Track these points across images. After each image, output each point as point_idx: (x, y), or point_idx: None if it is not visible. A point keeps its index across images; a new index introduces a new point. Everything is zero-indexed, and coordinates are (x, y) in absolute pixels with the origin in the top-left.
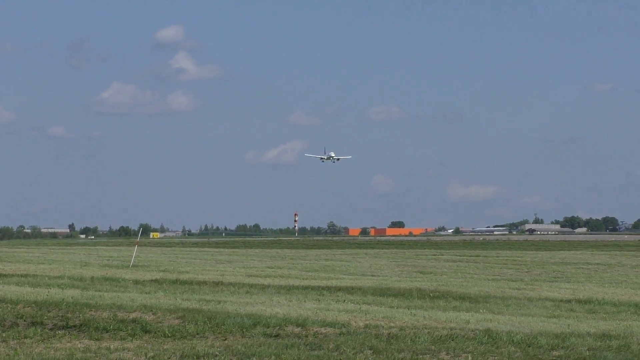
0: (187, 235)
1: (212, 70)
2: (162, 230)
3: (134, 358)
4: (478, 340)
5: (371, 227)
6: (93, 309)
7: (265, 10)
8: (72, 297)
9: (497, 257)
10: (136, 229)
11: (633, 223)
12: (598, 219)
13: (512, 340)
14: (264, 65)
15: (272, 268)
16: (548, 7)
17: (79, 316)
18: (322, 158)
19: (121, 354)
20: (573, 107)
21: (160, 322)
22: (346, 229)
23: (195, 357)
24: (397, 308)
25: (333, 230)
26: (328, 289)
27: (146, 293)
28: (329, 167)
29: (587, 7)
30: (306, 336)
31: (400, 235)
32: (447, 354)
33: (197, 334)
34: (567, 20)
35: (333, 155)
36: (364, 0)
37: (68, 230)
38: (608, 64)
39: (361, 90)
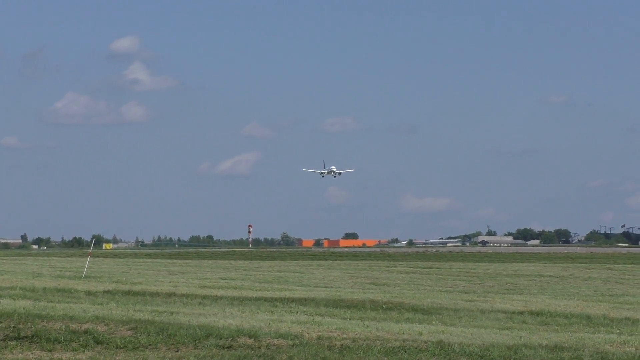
0: (140, 246)
1: (167, 81)
2: (115, 241)
3: None
4: (430, 352)
5: (325, 239)
6: (45, 320)
7: (221, 21)
8: (24, 308)
9: (450, 268)
10: (89, 240)
11: (586, 235)
12: (551, 231)
13: (465, 352)
14: (219, 77)
15: (225, 279)
16: (502, 20)
17: (31, 327)
18: (322, 173)
19: None
20: (527, 119)
21: (112, 334)
22: (300, 240)
23: None
24: (350, 319)
25: (286, 241)
26: (281, 300)
27: (99, 304)
28: (283, 179)
29: (541, 20)
30: (259, 347)
31: (353, 247)
32: None
33: (150, 345)
34: (521, 33)
35: (334, 169)
36: (318, 12)
37: (20, 241)
38: (562, 76)
39: (316, 101)
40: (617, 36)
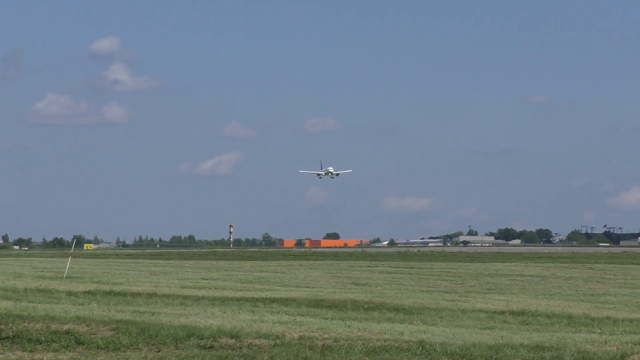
0: (121, 247)
1: (148, 81)
2: (96, 241)
3: None
4: (412, 351)
5: (306, 239)
6: (26, 321)
7: (202, 22)
8: (5, 309)
9: (432, 268)
10: (70, 240)
11: (567, 235)
12: (532, 231)
13: (446, 352)
14: (200, 77)
15: (206, 279)
16: (483, 21)
17: (12, 328)
18: (318, 174)
19: None
20: (508, 119)
21: (93, 334)
22: (281, 241)
23: None
24: (331, 319)
25: (268, 241)
26: (262, 300)
27: (80, 304)
28: (264, 179)
29: (521, 20)
30: (240, 348)
31: (335, 247)
32: None
33: (131, 345)
34: (502, 33)
35: (332, 170)
36: (298, 12)
37: (1, 241)
38: (543, 77)
39: (297, 102)
40: (598, 36)
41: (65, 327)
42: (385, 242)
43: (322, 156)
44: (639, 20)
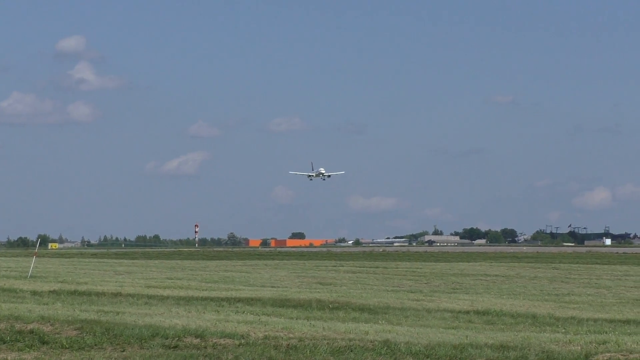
0: (86, 246)
1: (113, 80)
2: (60, 240)
3: None
4: (377, 351)
5: (271, 238)
6: None
7: (167, 20)
8: None
9: (397, 268)
10: (34, 240)
11: (532, 235)
12: (497, 231)
13: (411, 351)
14: (166, 76)
15: (171, 279)
16: (447, 20)
17: None
18: (309, 175)
19: None
20: (473, 119)
21: (58, 333)
22: (246, 240)
23: None
24: (296, 319)
25: (233, 241)
26: (227, 300)
27: (44, 304)
28: (229, 178)
29: (486, 20)
30: (205, 347)
31: (300, 247)
32: None
33: (95, 345)
34: (466, 33)
35: (323, 171)
36: (263, 11)
37: None
38: (507, 76)
39: (262, 101)
40: (562, 37)
41: (30, 326)
42: (351, 242)
43: (288, 155)
44: (603, 21)
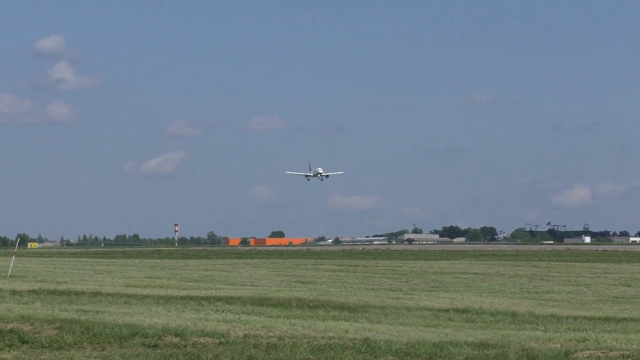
0: (65, 246)
1: (92, 80)
2: (40, 240)
3: None
4: (357, 349)
5: (251, 237)
6: None
7: (146, 21)
8: None
9: (377, 266)
10: (14, 239)
11: (511, 233)
12: (476, 229)
13: (391, 350)
14: (144, 76)
15: (151, 278)
16: (427, 18)
17: None
18: (307, 175)
19: None
20: (453, 117)
21: (37, 333)
22: (226, 239)
23: None
24: (276, 318)
25: (213, 240)
26: (207, 299)
27: (24, 303)
28: (209, 177)
29: (466, 18)
30: (185, 346)
31: (280, 245)
32: None
33: (75, 344)
34: (446, 31)
35: (321, 171)
36: (243, 10)
37: None
38: (487, 75)
39: (242, 100)
40: (542, 35)
41: (9, 326)
42: (330, 241)
43: (267, 154)
44: (583, 21)
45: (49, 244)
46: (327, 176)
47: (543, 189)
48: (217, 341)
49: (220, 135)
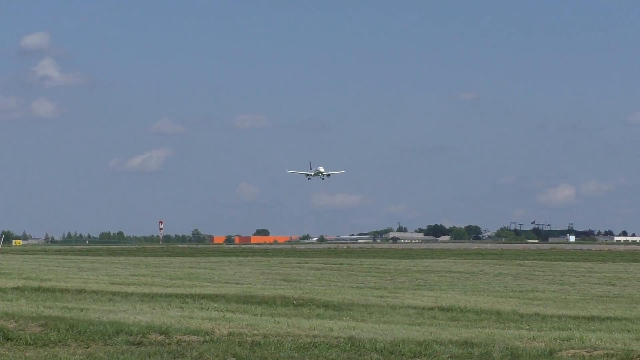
0: (50, 243)
1: (77, 77)
2: (24, 237)
3: None
4: (341, 347)
5: (236, 235)
6: None
7: (132, 18)
8: None
9: (361, 265)
10: None
11: (496, 232)
12: (461, 227)
13: (375, 348)
14: (130, 73)
15: (135, 276)
16: (412, 16)
17: None
18: (307, 175)
19: None
20: (438, 116)
21: (22, 330)
22: (211, 237)
23: None
24: (261, 316)
25: (198, 238)
26: (192, 296)
27: (8, 300)
28: (194, 175)
29: (450, 17)
30: (169, 344)
31: (265, 243)
32: None
33: (60, 342)
34: (431, 30)
35: (322, 170)
36: (227, 8)
37: None
38: (472, 73)
39: (227, 98)
40: (527, 34)
41: None
42: (315, 239)
43: (252, 152)
44: (567, 19)
45: (34, 241)
46: (329, 175)
47: (528, 188)
48: (201, 339)
49: (205, 133)
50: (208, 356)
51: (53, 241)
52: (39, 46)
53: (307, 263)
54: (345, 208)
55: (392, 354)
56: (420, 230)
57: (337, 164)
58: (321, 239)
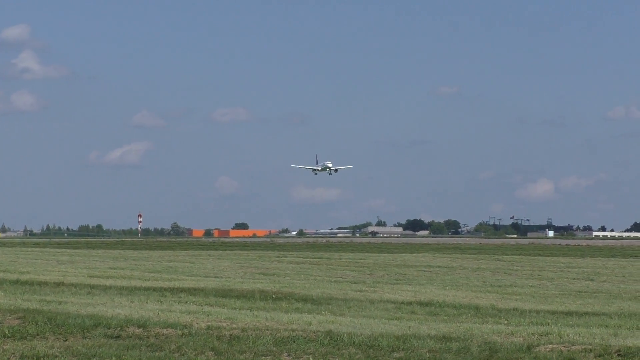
0: (28, 235)
1: (57, 69)
2: (3, 230)
3: None
4: (319, 341)
5: (215, 229)
6: None
7: (112, 10)
8: None
9: (340, 259)
10: None
11: (475, 226)
12: (440, 222)
13: (353, 342)
14: (110, 66)
15: (114, 269)
16: (392, 10)
17: None
18: (314, 170)
19: None
20: (417, 110)
21: (0, 323)
22: (190, 230)
23: (35, 357)
24: (239, 309)
25: (177, 231)
26: (170, 290)
27: None
28: (173, 168)
29: (431, 11)
30: (147, 337)
31: (244, 237)
32: (289, 355)
33: (38, 334)
34: (411, 24)
35: (330, 165)
36: (208, 2)
37: None
38: (452, 68)
39: (207, 91)
40: (507, 28)
41: None
42: (294, 233)
43: (232, 146)
44: (547, 15)
45: (12, 234)
46: (336, 170)
47: (507, 183)
48: (180, 332)
49: (184, 127)
50: (186, 350)
51: (32, 234)
52: (19, 38)
53: (286, 257)
54: (325, 202)
55: (370, 349)
56: (399, 225)
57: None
58: (300, 233)
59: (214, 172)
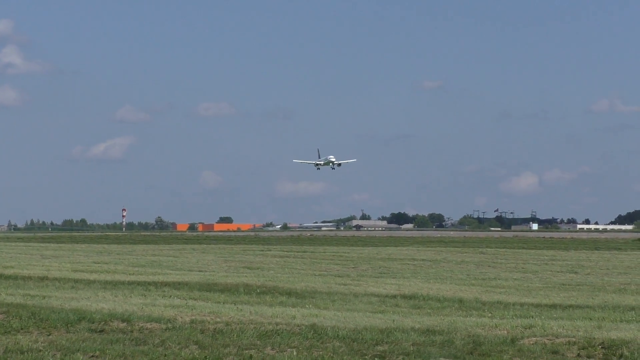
0: (12, 230)
1: (41, 65)
2: None
3: None
4: (303, 335)
5: (199, 223)
6: None
7: (96, 6)
8: None
9: (324, 252)
10: None
11: (459, 220)
12: (424, 216)
13: (337, 335)
14: (93, 60)
15: (98, 263)
16: (376, 4)
17: None
18: (317, 164)
19: None
20: (401, 104)
21: None
22: (174, 225)
23: (19, 352)
24: (223, 303)
25: (161, 225)
26: (154, 284)
27: None
28: (157, 163)
29: (415, 5)
30: (131, 331)
31: (228, 231)
32: (273, 348)
33: (22, 329)
34: (394, 18)
35: (333, 159)
36: None
37: None
38: (436, 62)
39: (190, 86)
40: (491, 23)
41: None
42: (279, 226)
43: (216, 140)
44: (531, 9)
45: None
46: (340, 165)
47: (491, 176)
48: (164, 326)
49: (168, 121)
50: (170, 344)
51: (15, 228)
52: (2, 33)
53: (270, 251)
54: (309, 196)
55: (354, 342)
56: (383, 218)
57: (300, 151)
58: (284, 227)
59: (197, 167)
